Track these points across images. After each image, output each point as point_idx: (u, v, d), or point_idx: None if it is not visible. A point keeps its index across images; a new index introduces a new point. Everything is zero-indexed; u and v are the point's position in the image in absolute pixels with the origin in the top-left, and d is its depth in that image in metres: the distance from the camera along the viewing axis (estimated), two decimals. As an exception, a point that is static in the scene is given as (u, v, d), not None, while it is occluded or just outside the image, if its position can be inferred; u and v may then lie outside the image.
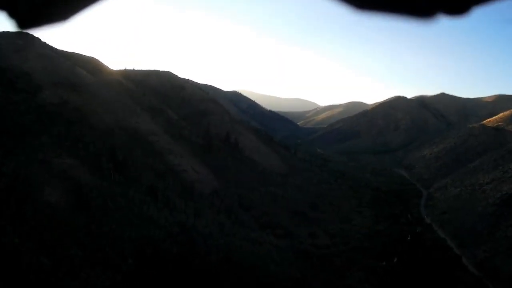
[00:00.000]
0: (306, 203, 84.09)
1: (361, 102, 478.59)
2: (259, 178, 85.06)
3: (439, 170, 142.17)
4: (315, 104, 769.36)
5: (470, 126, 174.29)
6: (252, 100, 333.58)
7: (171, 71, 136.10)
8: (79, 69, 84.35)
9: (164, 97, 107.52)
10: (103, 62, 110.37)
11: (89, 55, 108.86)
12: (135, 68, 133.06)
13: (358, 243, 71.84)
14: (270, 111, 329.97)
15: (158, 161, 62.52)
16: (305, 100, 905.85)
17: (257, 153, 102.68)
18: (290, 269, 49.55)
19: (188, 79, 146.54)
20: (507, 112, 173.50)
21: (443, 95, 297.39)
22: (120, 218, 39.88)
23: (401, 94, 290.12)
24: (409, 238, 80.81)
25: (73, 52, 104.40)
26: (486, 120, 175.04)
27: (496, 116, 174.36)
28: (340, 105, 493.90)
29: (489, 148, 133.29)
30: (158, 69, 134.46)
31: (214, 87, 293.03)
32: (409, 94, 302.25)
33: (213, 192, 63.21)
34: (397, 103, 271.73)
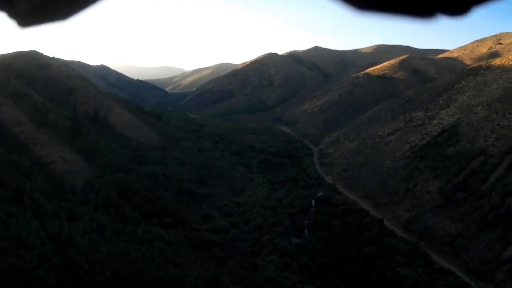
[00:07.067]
0: (191, 178, 77.80)
1: (230, 63, 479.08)
2: (135, 156, 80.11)
3: (326, 124, 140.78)
4: (181, 70, 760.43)
5: (354, 75, 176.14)
6: (119, 73, 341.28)
7: (36, 50, 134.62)
8: None
9: (30, 79, 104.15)
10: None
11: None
12: (1, 53, 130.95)
13: (260, 219, 64.39)
14: (137, 80, 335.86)
15: (24, 156, 57.89)
16: (172, 67, 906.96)
17: (129, 127, 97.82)
18: (193, 269, 44.36)
19: (54, 57, 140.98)
20: (393, 61, 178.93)
21: (316, 49, 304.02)
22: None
23: (272, 51, 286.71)
24: (313, 204, 74.41)
25: None
26: (369, 69, 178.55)
27: (381, 65, 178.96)
28: (208, 67, 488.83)
29: (379, 98, 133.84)
30: (24, 50, 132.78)
31: (82, 62, 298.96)
32: (280, 51, 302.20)
33: (87, 184, 58.90)
34: (269, 59, 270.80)
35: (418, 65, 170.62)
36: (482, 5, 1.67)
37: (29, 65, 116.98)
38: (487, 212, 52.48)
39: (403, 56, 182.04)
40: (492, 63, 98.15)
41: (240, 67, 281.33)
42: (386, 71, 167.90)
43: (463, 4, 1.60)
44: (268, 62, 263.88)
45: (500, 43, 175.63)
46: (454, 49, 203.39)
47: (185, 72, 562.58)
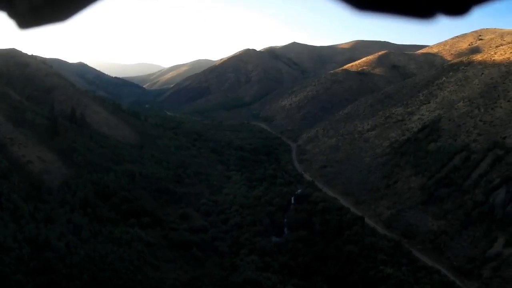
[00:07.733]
0: (168, 177, 77.27)
1: (207, 60, 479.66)
2: (113, 154, 79.45)
3: (304, 120, 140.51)
4: (159, 66, 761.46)
5: (332, 71, 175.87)
6: (98, 70, 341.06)
7: (15, 48, 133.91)
8: None
9: (9, 78, 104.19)
10: None
11: None
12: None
13: (238, 218, 63.34)
14: (115, 77, 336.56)
15: (1, 156, 57.54)
16: (150, 64, 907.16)
17: (106, 126, 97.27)
18: (172, 271, 43.76)
19: (32, 55, 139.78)
20: (371, 56, 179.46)
21: (294, 44, 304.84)
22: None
23: (250, 47, 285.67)
24: (293, 202, 73.31)
25: None
26: (348, 65, 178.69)
27: (360, 61, 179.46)
28: (186, 64, 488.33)
29: (358, 94, 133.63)
30: (3, 48, 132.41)
31: (60, 60, 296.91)
32: (258, 47, 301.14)
33: (64, 184, 58.37)
34: (247, 55, 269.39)
35: (397, 60, 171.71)
36: (482, 5, 1.67)
37: (8, 64, 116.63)
38: (470, 209, 51.87)
39: (382, 52, 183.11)
40: (473, 58, 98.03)
41: (218, 64, 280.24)
42: (364, 67, 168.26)
43: (463, 4, 1.59)
44: (245, 58, 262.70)
45: (481, 39, 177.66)
46: (434, 45, 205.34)
47: (163, 69, 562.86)
